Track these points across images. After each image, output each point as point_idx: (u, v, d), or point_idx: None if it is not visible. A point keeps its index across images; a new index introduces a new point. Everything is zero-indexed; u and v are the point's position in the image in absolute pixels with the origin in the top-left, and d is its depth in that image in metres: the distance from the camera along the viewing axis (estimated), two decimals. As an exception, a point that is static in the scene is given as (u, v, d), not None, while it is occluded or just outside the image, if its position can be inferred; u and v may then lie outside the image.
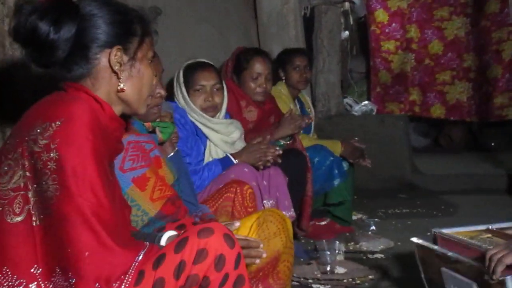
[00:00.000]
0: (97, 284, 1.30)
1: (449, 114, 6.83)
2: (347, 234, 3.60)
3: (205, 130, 2.88)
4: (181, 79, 2.88)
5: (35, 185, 1.35)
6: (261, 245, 1.64)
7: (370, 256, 3.24)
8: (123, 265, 1.33)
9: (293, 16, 4.89)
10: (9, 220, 1.36)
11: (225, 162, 2.81)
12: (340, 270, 2.89)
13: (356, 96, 6.57)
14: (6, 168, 1.39)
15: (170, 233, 1.65)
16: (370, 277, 2.82)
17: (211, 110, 2.88)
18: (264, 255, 1.64)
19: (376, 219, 3.95)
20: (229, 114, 3.12)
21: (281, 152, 2.88)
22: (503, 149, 6.79)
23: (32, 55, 1.45)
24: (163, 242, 1.62)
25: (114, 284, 1.32)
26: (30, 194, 1.35)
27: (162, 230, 1.75)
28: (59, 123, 1.35)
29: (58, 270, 1.33)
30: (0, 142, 2.13)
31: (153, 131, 2.26)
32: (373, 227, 3.72)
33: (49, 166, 1.33)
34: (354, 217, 4.04)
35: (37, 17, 1.40)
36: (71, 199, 1.31)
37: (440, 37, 6.71)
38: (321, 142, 3.80)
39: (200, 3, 4.27)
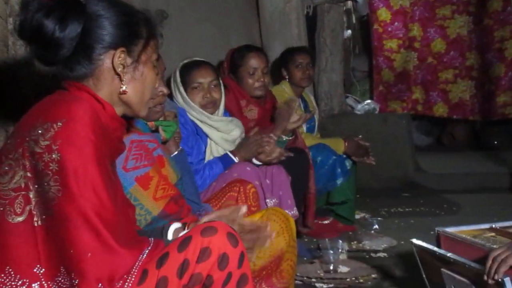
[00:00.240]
0: (99, 284, 1.30)
1: (451, 112, 6.83)
2: (350, 233, 3.60)
3: (205, 128, 2.89)
4: (178, 79, 2.89)
5: (36, 186, 1.35)
6: (269, 226, 1.64)
7: (373, 255, 3.24)
8: (125, 265, 1.33)
9: (295, 15, 4.89)
10: (10, 220, 1.35)
11: (225, 160, 2.81)
12: (343, 269, 2.89)
13: (359, 94, 6.57)
14: (6, 168, 1.38)
15: (176, 225, 1.67)
16: (373, 276, 2.82)
17: (211, 106, 2.88)
18: (274, 235, 1.64)
19: (379, 218, 3.94)
20: (229, 113, 3.12)
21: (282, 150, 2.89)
22: (506, 147, 6.79)
23: (37, 52, 1.44)
24: (170, 234, 1.62)
25: (117, 284, 1.32)
26: (31, 195, 1.35)
27: (166, 229, 1.75)
28: (60, 124, 1.35)
29: (63, 270, 1.34)
30: (3, 141, 2.13)
31: (156, 130, 2.27)
32: (376, 226, 3.72)
33: (51, 167, 1.32)
34: (357, 216, 4.04)
35: (43, 15, 1.39)
36: (73, 200, 1.31)
37: (442, 36, 6.70)
38: (324, 140, 3.80)
39: (202, 2, 4.27)
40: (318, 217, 3.69)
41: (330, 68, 5.58)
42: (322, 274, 2.83)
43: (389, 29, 6.70)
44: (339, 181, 3.60)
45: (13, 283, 1.34)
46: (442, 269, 2.11)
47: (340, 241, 3.03)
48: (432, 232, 2.52)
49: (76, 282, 1.31)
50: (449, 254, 2.08)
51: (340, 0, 5.60)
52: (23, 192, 1.36)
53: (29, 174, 1.35)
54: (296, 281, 2.67)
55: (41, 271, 1.35)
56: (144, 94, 1.55)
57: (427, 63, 6.75)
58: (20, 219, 1.35)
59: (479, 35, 6.58)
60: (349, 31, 6.59)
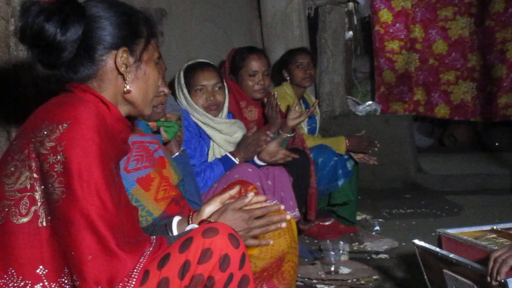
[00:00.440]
0: (99, 287, 1.30)
1: (453, 114, 6.83)
2: (352, 234, 3.60)
3: (208, 130, 2.89)
4: (182, 80, 2.88)
5: (42, 187, 1.35)
6: (282, 207, 1.64)
7: (374, 256, 3.23)
8: (126, 268, 1.33)
9: (297, 16, 4.90)
10: (15, 221, 1.36)
11: (225, 161, 2.80)
12: (344, 270, 2.89)
13: (360, 96, 6.57)
14: (12, 169, 1.39)
15: (178, 218, 1.69)
16: (375, 277, 2.82)
17: (214, 108, 2.88)
18: (289, 217, 1.64)
19: (380, 219, 3.95)
20: (232, 115, 3.12)
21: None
22: (507, 149, 6.79)
23: (39, 56, 1.44)
24: (174, 226, 1.65)
25: (117, 287, 1.32)
26: (37, 196, 1.35)
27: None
28: (66, 125, 1.35)
29: (67, 271, 1.34)
30: (5, 142, 2.13)
31: (157, 131, 2.27)
32: (377, 227, 3.72)
33: (55, 169, 1.33)
34: (358, 217, 4.04)
35: (44, 19, 1.39)
36: (76, 202, 1.31)
37: (444, 37, 6.71)
38: (325, 140, 3.80)
39: (204, 2, 4.27)
40: (320, 218, 3.69)
41: (331, 69, 5.57)
42: (323, 276, 2.83)
43: (391, 30, 6.71)
44: (340, 182, 3.61)
45: (15, 284, 1.35)
46: (444, 270, 2.11)
47: (342, 242, 3.02)
48: (433, 234, 2.52)
49: (77, 284, 1.32)
50: (451, 255, 2.08)
51: (342, 1, 5.60)
52: (28, 193, 1.36)
53: (35, 175, 1.36)
54: (298, 283, 2.67)
55: (44, 272, 1.35)
56: (148, 93, 1.56)
57: (429, 64, 6.75)
58: (25, 220, 1.36)
59: (481, 36, 6.59)
60: (351, 32, 6.58)
